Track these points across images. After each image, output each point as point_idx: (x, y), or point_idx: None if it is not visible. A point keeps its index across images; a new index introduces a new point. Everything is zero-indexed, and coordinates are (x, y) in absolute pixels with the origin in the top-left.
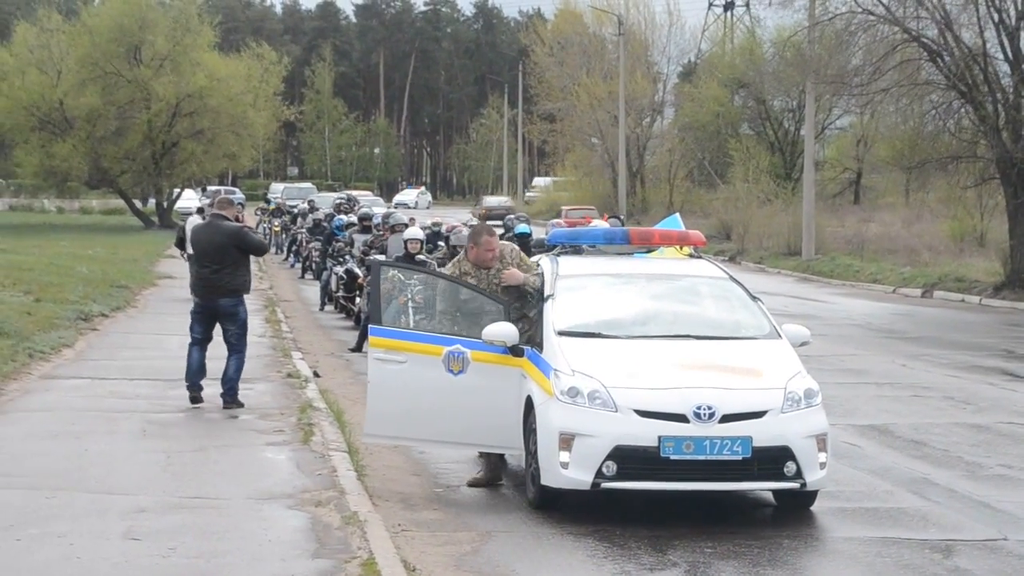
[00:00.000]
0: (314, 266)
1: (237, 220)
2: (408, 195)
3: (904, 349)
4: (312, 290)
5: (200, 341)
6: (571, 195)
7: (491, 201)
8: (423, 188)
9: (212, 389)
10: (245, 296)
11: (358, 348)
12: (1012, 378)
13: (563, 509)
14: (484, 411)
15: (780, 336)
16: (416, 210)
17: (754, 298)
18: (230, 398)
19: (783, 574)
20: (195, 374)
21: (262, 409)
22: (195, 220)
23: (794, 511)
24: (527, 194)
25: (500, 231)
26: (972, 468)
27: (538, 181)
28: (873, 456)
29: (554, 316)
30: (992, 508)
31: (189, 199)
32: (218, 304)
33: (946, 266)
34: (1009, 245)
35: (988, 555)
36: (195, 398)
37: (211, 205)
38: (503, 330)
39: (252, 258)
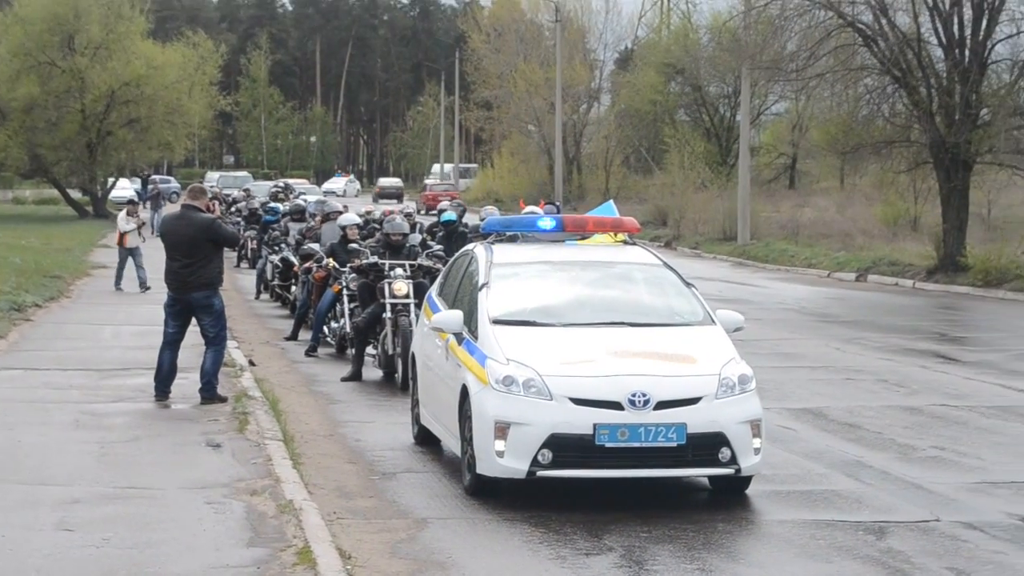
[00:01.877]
0: (250, 254)
1: (209, 210)
2: (336, 183)
3: (838, 333)
4: (247, 278)
5: (173, 341)
6: (505, 182)
7: (384, 182)
8: (351, 176)
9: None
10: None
11: (293, 336)
12: (945, 361)
13: (498, 496)
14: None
15: (714, 322)
16: (345, 198)
17: (688, 284)
18: (208, 393)
19: (718, 557)
20: (165, 378)
21: (197, 398)
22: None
23: (729, 495)
24: (463, 180)
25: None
26: (905, 450)
27: (436, 169)
28: (807, 439)
29: (488, 304)
30: (925, 490)
31: (123, 188)
32: (191, 297)
33: (880, 250)
34: (942, 229)
35: (921, 536)
36: (161, 396)
37: (157, 195)
38: (445, 318)
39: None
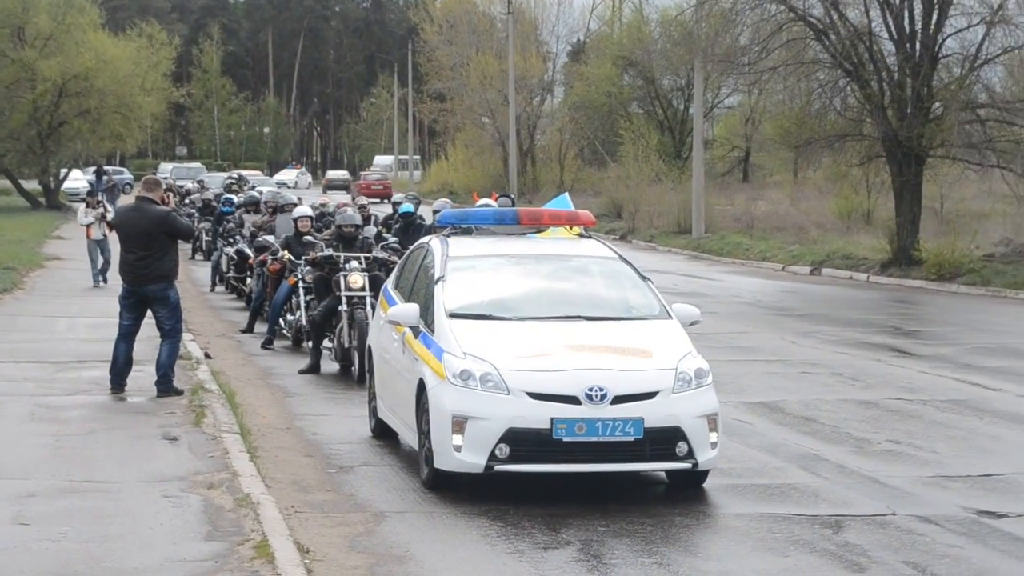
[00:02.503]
0: (204, 246)
1: (163, 202)
2: (288, 175)
3: (793, 326)
4: (202, 271)
5: (128, 333)
6: (459, 174)
7: (332, 174)
8: (303, 168)
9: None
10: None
11: (249, 329)
12: (899, 354)
13: (456, 489)
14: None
15: (670, 316)
16: (296, 190)
17: (644, 278)
18: (164, 386)
19: (676, 551)
20: (121, 370)
21: (153, 391)
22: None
23: (686, 489)
24: (404, 173)
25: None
26: (861, 444)
27: (379, 160)
28: (764, 433)
29: (444, 297)
30: (881, 483)
31: (76, 179)
32: (147, 290)
33: (834, 243)
34: (895, 223)
35: (877, 530)
36: (117, 389)
37: (112, 187)
38: (402, 311)
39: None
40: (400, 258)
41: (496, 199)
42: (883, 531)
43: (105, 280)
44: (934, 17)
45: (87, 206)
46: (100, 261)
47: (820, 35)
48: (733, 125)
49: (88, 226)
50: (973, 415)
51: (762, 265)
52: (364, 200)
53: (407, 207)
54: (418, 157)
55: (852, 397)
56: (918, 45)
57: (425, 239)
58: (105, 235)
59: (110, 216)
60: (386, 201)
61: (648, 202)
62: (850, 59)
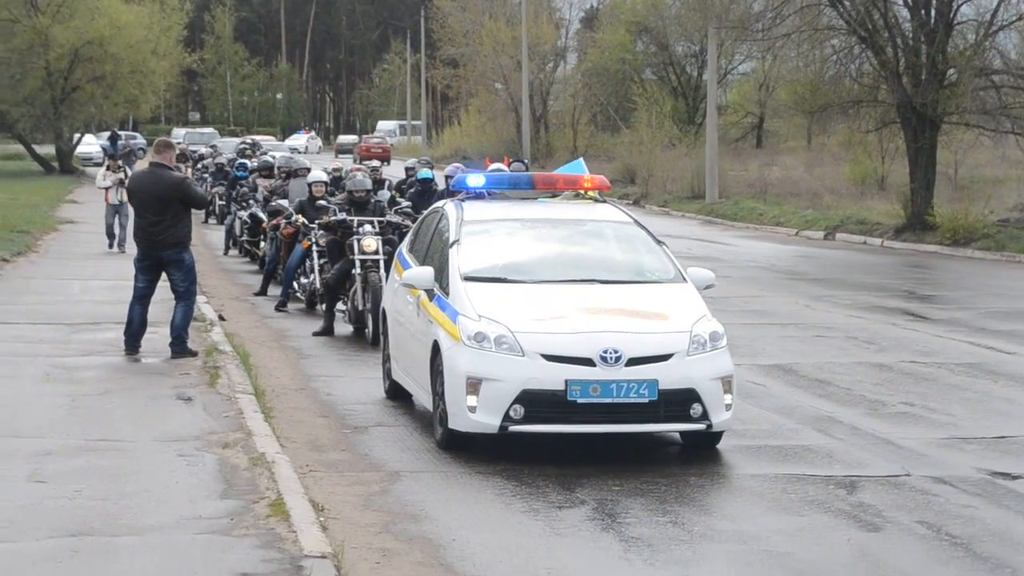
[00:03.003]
0: (217, 210)
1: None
2: (298, 140)
3: (807, 290)
4: (215, 234)
5: (143, 296)
6: (472, 140)
7: (343, 139)
8: (313, 133)
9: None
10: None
11: (262, 292)
12: (913, 318)
13: (471, 450)
14: None
15: (685, 279)
16: (306, 155)
17: (659, 242)
18: (179, 348)
19: (690, 511)
20: (135, 332)
21: (167, 352)
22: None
23: (700, 450)
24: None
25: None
26: (875, 406)
27: (382, 125)
28: (778, 395)
29: (459, 261)
30: (895, 445)
31: (89, 144)
32: (161, 255)
33: (848, 209)
34: (910, 188)
35: (892, 490)
36: (131, 350)
37: (128, 152)
38: (417, 274)
39: None
40: (413, 222)
41: (508, 164)
42: (897, 492)
43: (123, 248)
44: None
45: (107, 169)
46: (117, 227)
47: (834, 1)
48: (747, 91)
49: (107, 190)
50: (987, 378)
51: (776, 230)
52: (376, 163)
53: (425, 173)
54: (420, 122)
55: (866, 360)
56: (933, 11)
57: (440, 203)
58: (123, 200)
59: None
60: (385, 163)
61: (662, 167)
62: (864, 25)
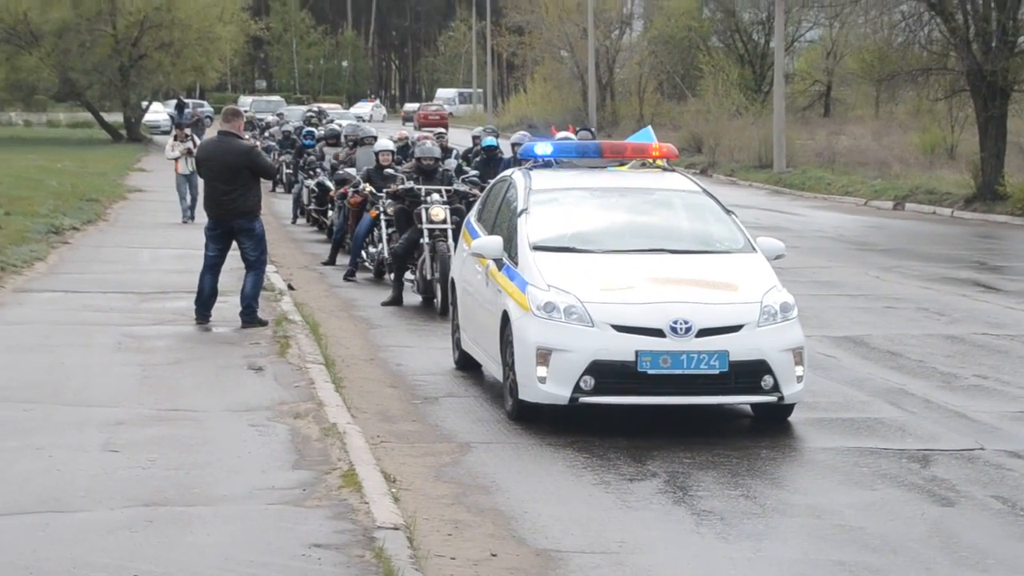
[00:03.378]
0: (285, 179)
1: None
2: (363, 108)
3: (877, 261)
4: (283, 203)
5: (214, 265)
6: (538, 108)
7: (409, 107)
8: (377, 101)
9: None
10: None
11: (331, 261)
12: (985, 289)
13: (541, 421)
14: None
15: (755, 250)
16: (371, 123)
17: (728, 211)
18: (248, 317)
19: (762, 484)
20: (206, 301)
21: (237, 322)
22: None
23: (771, 423)
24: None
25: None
26: (947, 379)
27: (441, 92)
28: (849, 367)
29: (528, 230)
30: (968, 418)
31: (156, 112)
32: (232, 224)
33: (917, 178)
34: (980, 157)
35: (966, 464)
36: (202, 320)
37: (197, 121)
38: (485, 243)
39: None
40: (480, 191)
41: (575, 132)
42: (971, 466)
43: (193, 217)
44: None
45: (175, 139)
46: (188, 197)
47: None
48: (814, 59)
49: (176, 160)
50: None
51: (844, 200)
52: (442, 130)
53: (490, 140)
54: (480, 90)
55: (938, 332)
56: None
57: (508, 172)
58: (193, 170)
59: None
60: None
61: (728, 136)
62: None
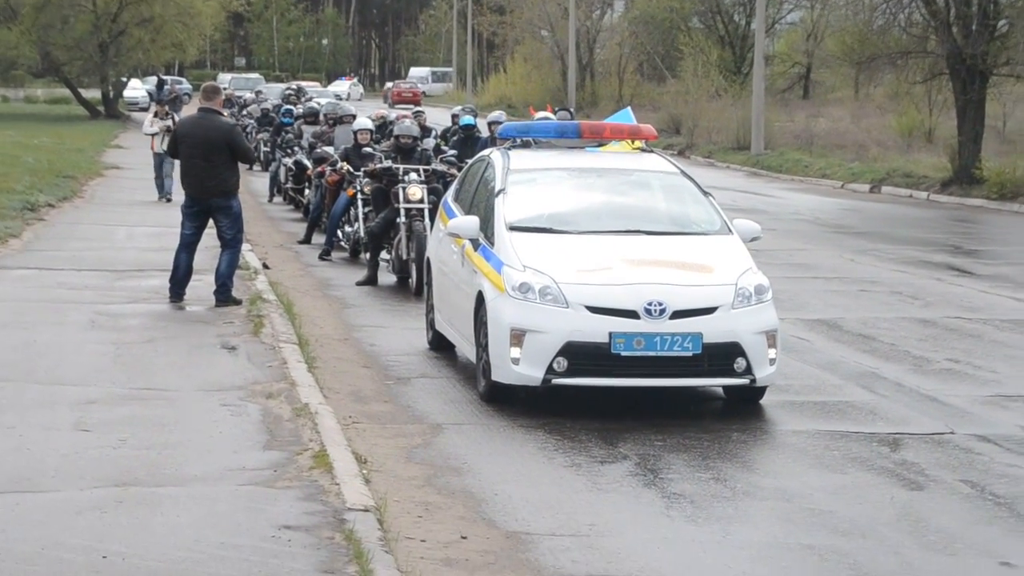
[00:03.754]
0: (263, 157)
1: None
2: (341, 86)
3: (852, 244)
4: (260, 181)
5: (190, 243)
6: (517, 88)
7: (390, 85)
8: (355, 79)
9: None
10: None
11: (307, 240)
12: (959, 273)
13: (513, 402)
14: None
15: (731, 231)
16: (348, 101)
17: (705, 193)
18: (223, 296)
19: (733, 466)
20: (181, 280)
21: (212, 300)
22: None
23: (744, 405)
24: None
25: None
26: (919, 362)
27: (413, 71)
28: (822, 350)
29: (505, 210)
30: (939, 402)
31: (135, 88)
32: (211, 202)
33: (894, 161)
34: (957, 141)
35: (936, 448)
36: (176, 298)
37: (175, 98)
38: (462, 223)
39: None
40: (458, 171)
41: (553, 112)
42: (941, 450)
43: (170, 198)
44: None
45: (155, 115)
46: (164, 177)
47: None
48: (794, 41)
49: (153, 136)
50: None
51: (821, 182)
52: (421, 108)
53: (468, 119)
54: (453, 70)
55: (911, 315)
56: None
57: (486, 152)
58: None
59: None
60: (415, 107)
61: (707, 118)
62: None
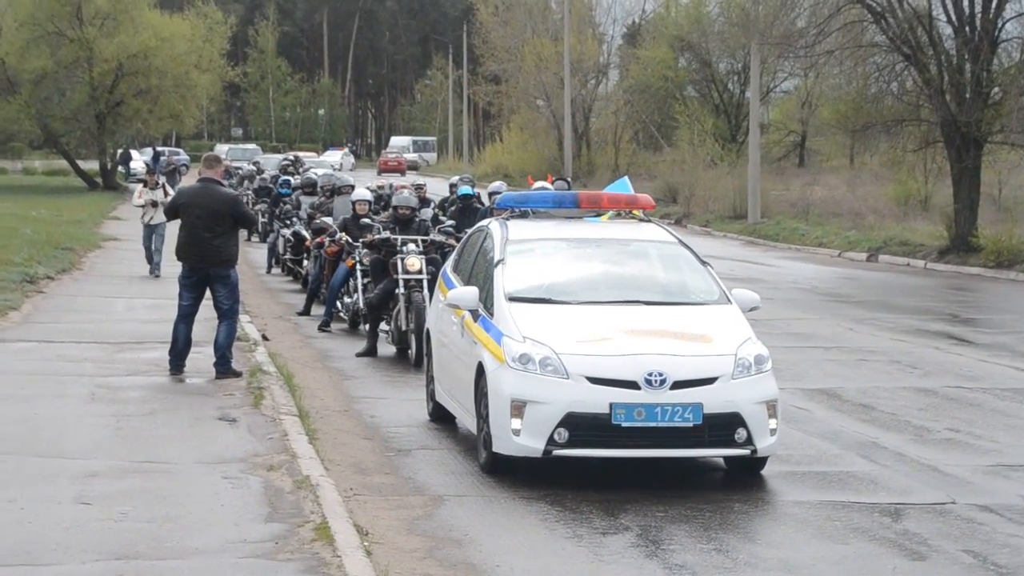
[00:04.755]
0: (260, 228)
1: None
2: (333, 156)
3: (850, 313)
4: (258, 252)
5: (188, 314)
6: (514, 157)
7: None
8: (347, 149)
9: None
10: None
11: (306, 311)
12: (958, 342)
13: (514, 474)
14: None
15: (730, 301)
16: (341, 171)
17: (704, 263)
18: (223, 367)
19: (735, 537)
20: (181, 352)
21: (212, 372)
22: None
23: (745, 476)
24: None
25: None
26: (920, 432)
27: (395, 140)
28: (822, 420)
29: (504, 281)
30: (940, 472)
31: (134, 160)
32: (209, 271)
33: (891, 230)
34: (953, 209)
35: (937, 518)
36: (176, 370)
37: (173, 170)
38: (461, 294)
39: None
40: (456, 241)
41: (552, 182)
42: (943, 520)
43: (158, 273)
44: (994, 1)
45: (144, 186)
46: (153, 251)
47: (878, 18)
48: (789, 109)
49: (142, 207)
50: None
51: (818, 251)
52: (422, 180)
53: (466, 189)
54: (433, 139)
55: (910, 385)
56: (977, 29)
57: (484, 222)
58: (153, 221)
59: (167, 198)
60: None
61: (703, 186)
62: (908, 43)
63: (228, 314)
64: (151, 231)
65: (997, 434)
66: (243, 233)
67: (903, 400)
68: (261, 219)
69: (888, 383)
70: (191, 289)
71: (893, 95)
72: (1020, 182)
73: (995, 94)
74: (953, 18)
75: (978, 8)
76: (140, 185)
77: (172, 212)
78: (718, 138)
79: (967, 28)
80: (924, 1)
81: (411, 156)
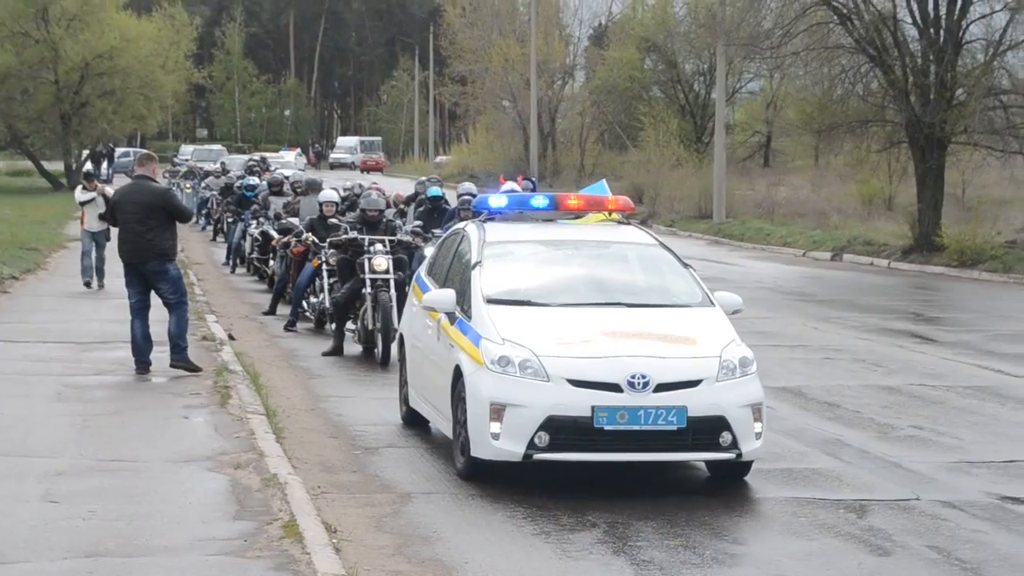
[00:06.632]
0: (226, 228)
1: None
2: (286, 156)
3: (815, 312)
4: (223, 252)
5: (139, 309)
6: (480, 157)
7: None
8: (299, 151)
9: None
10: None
11: (272, 311)
12: (921, 340)
13: (494, 478)
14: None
15: (713, 304)
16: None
17: (685, 265)
18: (178, 355)
19: (701, 534)
20: (141, 349)
21: (178, 372)
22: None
23: (729, 480)
24: (437, 158)
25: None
26: (884, 429)
27: (342, 140)
28: (787, 418)
29: (482, 283)
30: (904, 468)
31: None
32: (145, 268)
33: (855, 229)
34: (917, 208)
35: (901, 514)
36: (142, 369)
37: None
38: (438, 297)
39: None
40: (423, 241)
41: (521, 182)
42: (907, 516)
43: (101, 283)
44: (959, 3)
45: (83, 189)
46: (94, 257)
47: (844, 20)
48: (755, 110)
49: (83, 207)
50: (995, 401)
51: (783, 250)
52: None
53: (435, 190)
54: (379, 139)
55: (874, 383)
56: (942, 31)
57: (460, 224)
58: (106, 228)
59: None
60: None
61: (669, 187)
62: (874, 44)
63: (176, 306)
64: (92, 237)
65: (960, 431)
66: (208, 233)
67: (867, 398)
68: (228, 219)
69: (852, 381)
70: (134, 285)
71: (858, 96)
72: (983, 182)
73: (959, 95)
74: (918, 20)
75: (943, 10)
76: (79, 187)
77: (110, 213)
78: (683, 139)
79: (932, 30)
80: (890, 3)
81: (352, 157)
